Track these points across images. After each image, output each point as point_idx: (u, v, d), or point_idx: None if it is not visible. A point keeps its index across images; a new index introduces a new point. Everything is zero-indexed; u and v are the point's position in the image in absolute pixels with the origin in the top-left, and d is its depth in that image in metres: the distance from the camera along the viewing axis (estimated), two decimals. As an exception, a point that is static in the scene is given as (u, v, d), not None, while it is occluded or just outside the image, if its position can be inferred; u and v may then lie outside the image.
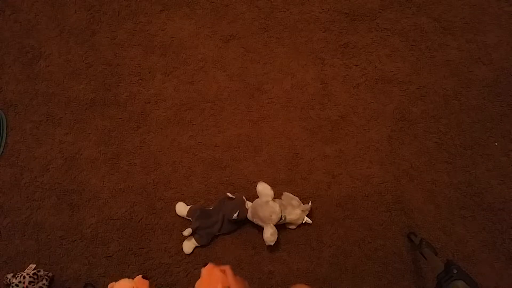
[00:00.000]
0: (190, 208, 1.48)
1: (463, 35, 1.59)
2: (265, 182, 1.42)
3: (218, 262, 1.45)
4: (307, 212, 1.45)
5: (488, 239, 1.45)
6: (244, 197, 1.46)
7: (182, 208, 1.50)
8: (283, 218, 1.38)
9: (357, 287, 1.45)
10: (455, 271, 1.11)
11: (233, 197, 1.45)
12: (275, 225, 1.38)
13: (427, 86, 1.57)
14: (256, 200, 1.41)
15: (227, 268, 1.08)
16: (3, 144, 1.60)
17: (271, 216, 1.35)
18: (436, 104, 1.56)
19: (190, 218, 1.47)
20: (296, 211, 1.41)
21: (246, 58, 1.63)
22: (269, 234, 1.37)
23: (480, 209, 1.47)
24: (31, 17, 1.70)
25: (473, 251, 1.44)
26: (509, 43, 1.57)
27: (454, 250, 1.45)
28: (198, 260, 1.48)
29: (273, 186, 1.47)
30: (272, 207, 1.36)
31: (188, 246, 1.47)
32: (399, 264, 1.45)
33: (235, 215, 1.39)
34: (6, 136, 1.61)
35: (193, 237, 1.46)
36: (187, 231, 1.43)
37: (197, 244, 1.47)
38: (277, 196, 1.47)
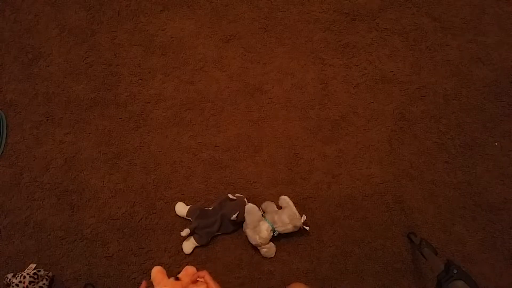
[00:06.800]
0: (189, 208, 1.48)
1: (463, 35, 1.60)
2: (255, 201, 1.45)
3: (218, 262, 1.46)
4: (301, 224, 1.41)
5: (488, 239, 1.45)
6: (245, 199, 1.46)
7: (181, 208, 1.50)
8: (275, 234, 1.40)
9: (357, 287, 1.45)
10: (455, 271, 1.11)
11: (234, 198, 1.44)
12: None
13: (427, 86, 1.57)
14: (244, 224, 1.43)
15: (205, 274, 0.90)
16: (3, 144, 1.60)
17: (260, 242, 1.40)
18: (436, 104, 1.56)
19: (189, 218, 1.47)
20: (287, 227, 1.40)
21: (246, 58, 1.63)
22: (263, 253, 1.44)
23: (480, 209, 1.47)
24: (31, 17, 1.70)
25: (473, 251, 1.45)
26: (509, 43, 1.58)
27: (454, 250, 1.45)
28: (198, 260, 1.48)
29: (273, 186, 1.47)
30: (258, 234, 1.39)
31: (188, 246, 1.47)
32: (399, 264, 1.45)
33: (234, 216, 1.39)
34: (6, 136, 1.61)
35: (193, 237, 1.46)
36: (185, 232, 1.43)
37: (196, 244, 1.47)
38: (276, 197, 1.47)
